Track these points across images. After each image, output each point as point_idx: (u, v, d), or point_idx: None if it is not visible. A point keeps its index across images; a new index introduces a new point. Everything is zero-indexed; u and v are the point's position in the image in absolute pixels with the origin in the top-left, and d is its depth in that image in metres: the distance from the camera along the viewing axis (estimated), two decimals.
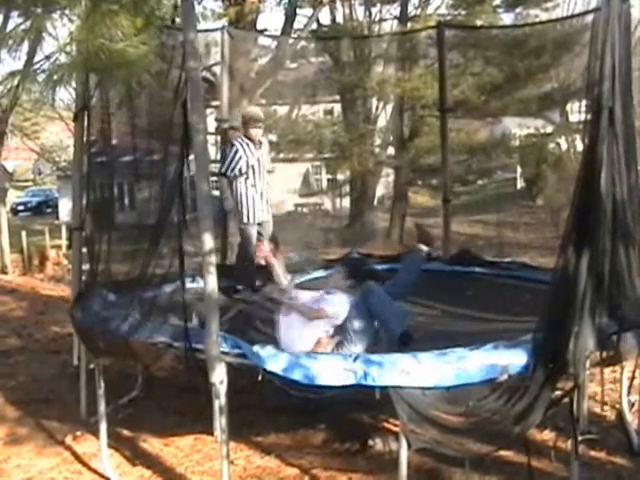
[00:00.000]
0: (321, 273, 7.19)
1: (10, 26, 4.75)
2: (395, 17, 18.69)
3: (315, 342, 4.73)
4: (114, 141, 5.97)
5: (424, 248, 5.41)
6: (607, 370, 5.37)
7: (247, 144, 6.82)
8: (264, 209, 6.97)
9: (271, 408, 5.75)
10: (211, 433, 5.31)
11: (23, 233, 19.77)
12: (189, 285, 5.45)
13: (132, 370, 6.45)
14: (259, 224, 6.93)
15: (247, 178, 6.84)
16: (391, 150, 20.06)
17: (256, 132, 6.88)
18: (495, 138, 19.17)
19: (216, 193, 8.50)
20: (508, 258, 8.74)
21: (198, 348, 4.34)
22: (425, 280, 5.49)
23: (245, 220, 6.84)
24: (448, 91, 9.13)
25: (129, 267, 5.33)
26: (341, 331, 4.74)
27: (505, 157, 19.46)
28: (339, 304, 4.91)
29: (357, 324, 4.69)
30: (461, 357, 3.84)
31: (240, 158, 6.78)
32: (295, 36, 15.55)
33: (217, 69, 10.80)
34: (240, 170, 6.79)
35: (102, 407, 5.16)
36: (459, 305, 5.81)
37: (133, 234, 5.87)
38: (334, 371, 3.88)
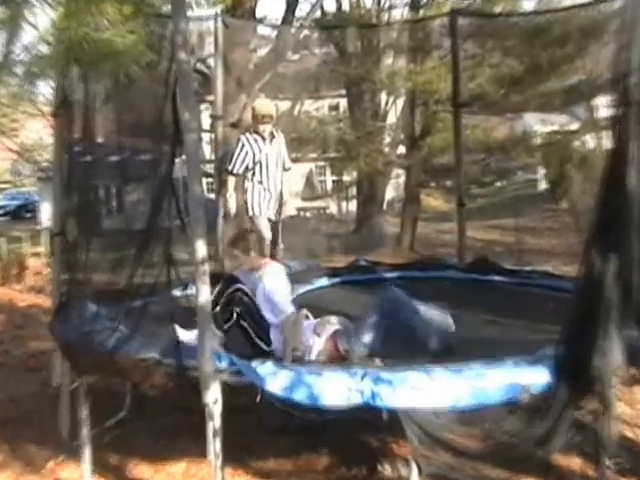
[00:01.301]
0: (324, 283, 7.20)
1: None
2: (406, 4, 18.72)
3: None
4: (99, 139, 5.99)
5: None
6: (638, 389, 5.36)
7: (255, 139, 6.97)
8: (271, 208, 7.05)
9: (271, 429, 5.74)
10: (206, 456, 5.31)
11: (1, 240, 19.77)
12: (182, 294, 5.48)
13: (119, 389, 6.46)
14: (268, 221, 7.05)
15: (254, 174, 6.95)
16: (402, 149, 20.03)
17: (265, 127, 6.98)
18: (515, 135, 19.12)
19: (211, 196, 8.53)
20: (529, 266, 8.72)
21: (191, 365, 4.35)
22: (439, 289, 5.50)
23: (251, 213, 6.99)
24: (463, 84, 9.16)
25: (115, 276, 5.34)
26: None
27: (526, 156, 19.36)
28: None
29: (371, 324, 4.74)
30: (478, 374, 3.83)
31: (246, 154, 6.92)
32: (297, 25, 15.57)
33: (211, 61, 10.82)
34: (247, 167, 6.92)
35: (86, 429, 5.16)
36: (476, 317, 5.81)
37: (120, 240, 5.88)
38: (339, 390, 3.87)
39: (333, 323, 4.95)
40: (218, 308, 4.90)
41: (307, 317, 5.09)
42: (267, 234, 7.03)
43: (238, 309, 4.96)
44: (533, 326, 5.26)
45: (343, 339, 4.77)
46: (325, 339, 4.81)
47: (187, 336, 4.71)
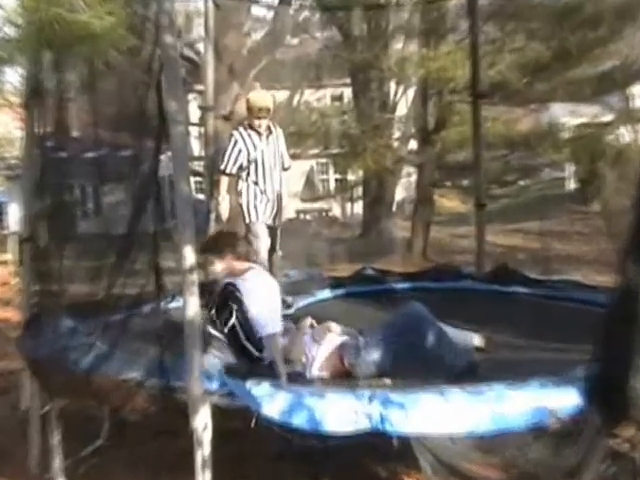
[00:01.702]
0: (327, 294, 7.20)
1: None
2: None
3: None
4: (74, 133, 5.99)
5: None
6: None
7: (249, 135, 6.95)
8: (268, 212, 7.04)
9: (269, 456, 5.74)
10: None
11: None
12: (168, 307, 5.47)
13: (96, 413, 6.44)
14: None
15: (248, 174, 6.94)
16: (413, 144, 20.05)
17: (260, 122, 6.96)
18: (540, 128, 19.11)
19: (200, 196, 8.54)
20: (556, 276, 8.72)
21: (178, 386, 4.34)
22: (455, 302, 5.49)
23: (247, 219, 6.97)
24: (482, 72, 9.16)
25: (93, 286, 5.34)
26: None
27: (553, 152, 19.32)
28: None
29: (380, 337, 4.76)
30: (499, 397, 3.83)
31: (240, 152, 6.90)
32: (296, 5, 15.59)
33: (201, 46, 10.84)
34: (241, 166, 6.90)
35: (58, 459, 5.16)
36: (496, 333, 5.80)
37: (98, 246, 5.88)
38: (344, 414, 3.87)
39: (334, 331, 4.97)
40: (214, 310, 4.93)
41: (312, 326, 5.10)
42: (265, 242, 7.01)
43: (235, 306, 4.98)
44: (561, 343, 5.25)
45: (351, 352, 4.79)
46: (329, 352, 4.81)
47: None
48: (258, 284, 5.34)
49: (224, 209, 7.18)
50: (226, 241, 5.60)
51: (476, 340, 5.34)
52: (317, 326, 5.18)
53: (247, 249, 6.62)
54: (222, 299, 5.07)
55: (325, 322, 5.18)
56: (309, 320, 5.13)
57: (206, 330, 4.85)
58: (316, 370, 4.86)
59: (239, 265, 5.45)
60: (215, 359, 4.72)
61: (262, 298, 5.23)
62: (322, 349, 4.89)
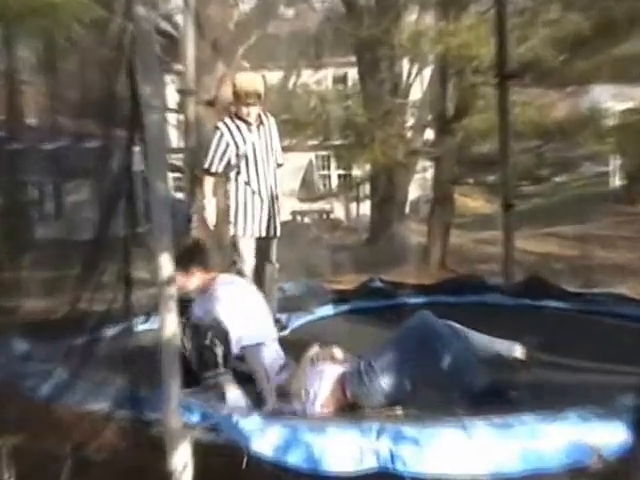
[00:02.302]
0: (329, 311, 7.20)
1: None
2: None
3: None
4: (30, 120, 6.00)
5: None
6: None
7: (237, 126, 6.89)
8: (264, 218, 6.99)
9: None
10: None
11: None
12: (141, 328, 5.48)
13: (57, 451, 6.44)
14: (259, 239, 6.98)
15: (238, 173, 6.89)
16: (429, 134, 20.09)
17: (249, 110, 6.90)
18: (579, 115, 19.15)
19: (180, 196, 8.56)
20: (597, 288, 8.73)
21: (153, 419, 4.35)
22: (480, 319, 5.49)
23: (233, 230, 6.91)
24: (511, 48, 9.17)
25: (53, 302, 5.33)
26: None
27: (594, 142, 19.37)
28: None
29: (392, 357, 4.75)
30: (531, 431, 3.83)
31: (227, 147, 6.85)
32: None
33: (180, 18, 10.86)
34: (229, 163, 6.85)
35: None
36: (527, 353, 5.80)
37: (59, 254, 5.88)
38: (347, 451, 3.87)
39: (337, 358, 4.97)
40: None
41: (317, 358, 5.09)
42: (250, 264, 6.94)
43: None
44: (604, 367, 5.26)
45: (353, 381, 4.78)
46: (332, 386, 4.81)
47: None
48: (227, 293, 5.40)
49: (210, 214, 7.13)
50: (191, 256, 5.64)
51: (517, 351, 5.27)
52: (321, 352, 5.17)
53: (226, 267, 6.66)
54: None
55: (328, 347, 5.16)
56: (315, 348, 5.12)
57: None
58: (318, 407, 4.85)
59: (202, 276, 5.54)
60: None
61: (234, 308, 5.30)
62: (324, 384, 4.88)
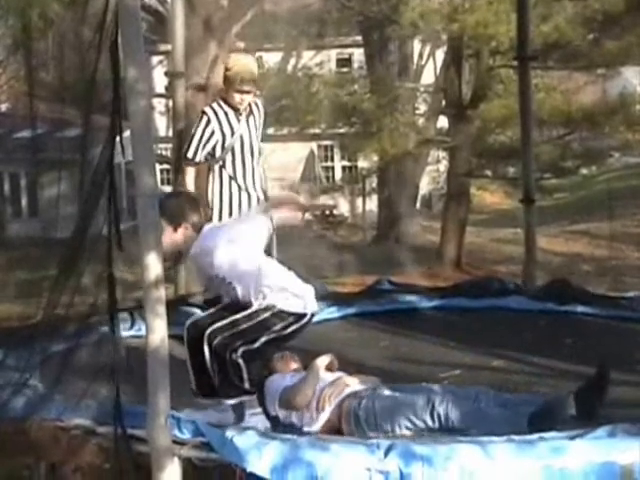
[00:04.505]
0: (332, 314, 7.19)
1: None
2: None
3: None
4: (2, 106, 5.99)
5: None
6: None
7: (225, 113, 6.80)
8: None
9: None
10: None
11: None
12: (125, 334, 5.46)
13: (31, 471, 6.43)
14: None
15: (223, 166, 6.83)
16: (443, 121, 20.09)
17: (242, 97, 6.82)
18: (609, 100, 19.14)
19: (167, 189, 8.55)
20: (630, 292, 8.70)
21: (138, 435, 4.33)
22: (498, 325, 5.48)
23: None
24: (533, 27, 9.14)
25: (27, 306, 5.32)
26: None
27: (625, 130, 19.37)
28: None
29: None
30: (555, 449, 3.81)
31: (212, 135, 6.76)
32: None
33: None
34: (213, 153, 6.79)
35: None
36: (550, 364, 5.80)
37: (34, 254, 5.87)
38: (353, 471, 3.86)
39: (351, 386, 4.92)
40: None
41: (331, 369, 5.05)
42: None
43: None
44: (637, 379, 5.24)
45: (351, 422, 4.73)
46: (332, 416, 4.78)
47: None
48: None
49: None
50: (183, 206, 5.45)
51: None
52: (331, 376, 5.10)
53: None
54: None
55: (344, 376, 5.08)
56: (329, 358, 5.06)
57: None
58: (315, 430, 4.81)
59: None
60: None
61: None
62: (326, 413, 4.84)
